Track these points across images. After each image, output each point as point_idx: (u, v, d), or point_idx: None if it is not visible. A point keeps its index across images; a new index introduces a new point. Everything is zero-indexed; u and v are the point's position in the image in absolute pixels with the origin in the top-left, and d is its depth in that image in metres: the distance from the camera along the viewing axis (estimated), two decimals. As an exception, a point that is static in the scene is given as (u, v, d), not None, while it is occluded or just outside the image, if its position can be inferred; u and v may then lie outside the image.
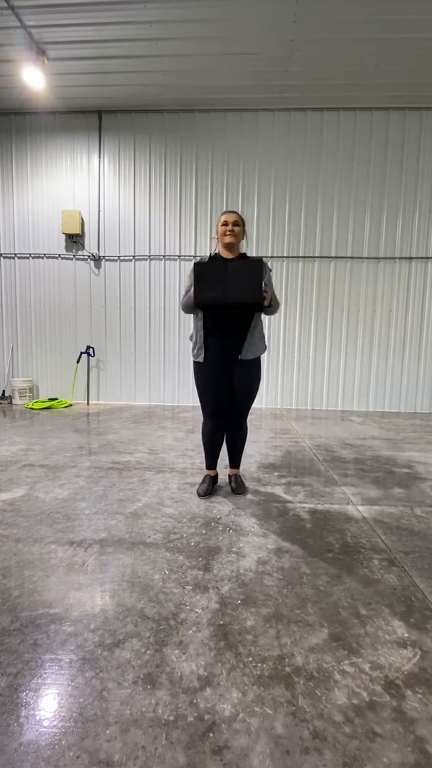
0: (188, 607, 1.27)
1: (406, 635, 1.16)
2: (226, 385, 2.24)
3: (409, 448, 3.59)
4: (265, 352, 2.58)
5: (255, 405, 2.49)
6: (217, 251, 2.24)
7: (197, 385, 2.31)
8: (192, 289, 2.07)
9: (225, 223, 2.16)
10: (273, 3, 4.04)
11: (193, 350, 2.28)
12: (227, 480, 2.49)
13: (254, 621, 1.21)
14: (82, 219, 6.07)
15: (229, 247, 2.16)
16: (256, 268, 1.96)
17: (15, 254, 6.27)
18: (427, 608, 1.29)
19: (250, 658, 1.06)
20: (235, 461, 2.45)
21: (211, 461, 2.44)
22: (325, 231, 5.93)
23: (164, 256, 6.10)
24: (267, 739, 0.84)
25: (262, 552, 1.64)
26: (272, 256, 5.96)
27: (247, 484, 2.49)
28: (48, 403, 5.75)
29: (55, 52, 4.80)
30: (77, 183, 6.10)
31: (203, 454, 2.45)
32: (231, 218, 2.16)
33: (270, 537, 1.78)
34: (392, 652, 1.09)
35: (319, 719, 0.89)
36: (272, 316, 6.05)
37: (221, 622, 1.20)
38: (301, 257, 5.97)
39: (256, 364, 2.27)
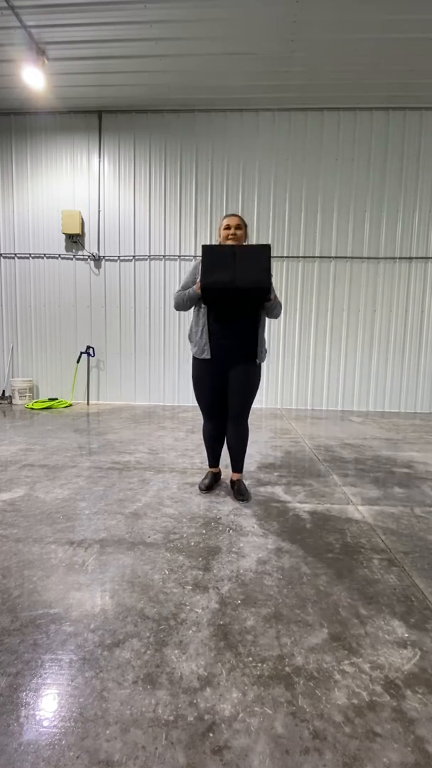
0: (188, 607, 1.27)
1: (406, 635, 1.16)
2: (224, 386, 2.25)
3: (409, 448, 3.59)
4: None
5: (255, 405, 2.49)
6: None
7: (196, 382, 2.32)
8: (193, 281, 2.16)
9: (227, 227, 2.18)
10: (273, 3, 4.04)
11: (194, 348, 2.27)
12: (229, 484, 2.45)
13: (254, 621, 1.21)
14: (82, 219, 6.07)
15: None
16: (265, 252, 1.97)
17: (15, 254, 6.27)
18: (427, 608, 1.29)
19: (250, 658, 1.06)
20: (237, 466, 2.39)
21: (213, 459, 2.47)
22: (325, 231, 5.93)
23: (164, 256, 6.10)
24: (267, 739, 0.84)
25: (262, 552, 1.64)
26: (272, 256, 5.95)
27: (247, 483, 2.48)
28: (48, 403, 5.75)
29: (55, 52, 4.80)
30: (77, 183, 6.10)
31: (205, 453, 2.47)
32: (233, 222, 2.18)
33: (270, 537, 1.78)
34: (392, 652, 1.09)
35: (319, 719, 0.89)
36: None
37: (221, 622, 1.20)
38: (301, 257, 5.97)
39: (258, 366, 2.28)
